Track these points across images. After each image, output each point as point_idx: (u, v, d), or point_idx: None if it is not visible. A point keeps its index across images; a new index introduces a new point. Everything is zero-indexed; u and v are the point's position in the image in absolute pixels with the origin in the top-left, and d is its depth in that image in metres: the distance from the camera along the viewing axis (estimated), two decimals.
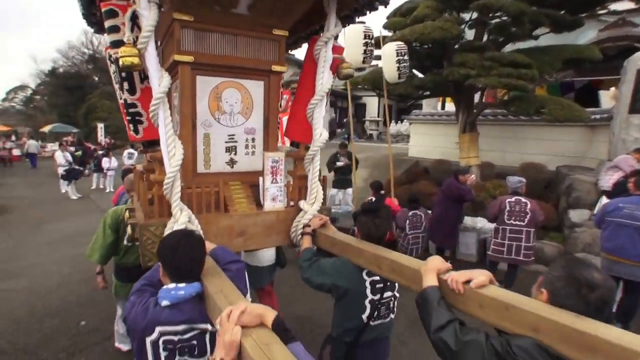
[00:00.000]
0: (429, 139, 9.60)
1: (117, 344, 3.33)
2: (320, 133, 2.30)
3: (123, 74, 2.22)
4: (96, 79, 29.41)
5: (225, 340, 0.98)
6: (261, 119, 2.33)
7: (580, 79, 9.99)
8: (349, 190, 7.15)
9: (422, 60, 7.42)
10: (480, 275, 1.25)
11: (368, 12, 2.46)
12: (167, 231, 1.80)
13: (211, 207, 2.08)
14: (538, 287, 1.18)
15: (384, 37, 6.58)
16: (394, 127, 16.49)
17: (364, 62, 5.03)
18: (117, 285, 2.98)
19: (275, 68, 2.28)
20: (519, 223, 4.13)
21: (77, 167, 11.54)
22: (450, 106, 10.02)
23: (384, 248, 1.73)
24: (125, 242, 2.78)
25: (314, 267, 1.93)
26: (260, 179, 2.25)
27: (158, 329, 1.33)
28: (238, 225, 2.13)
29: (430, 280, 1.33)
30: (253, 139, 2.34)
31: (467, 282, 1.25)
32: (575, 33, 7.16)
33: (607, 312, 1.05)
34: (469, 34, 7.09)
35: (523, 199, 4.20)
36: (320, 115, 2.33)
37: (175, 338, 1.36)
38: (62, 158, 11.01)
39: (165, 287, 1.38)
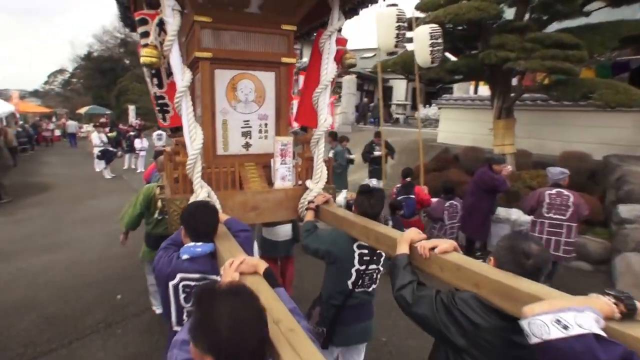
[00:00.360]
0: (459, 124, 9.24)
1: (154, 308, 3.64)
2: (325, 118, 2.51)
3: (153, 71, 2.54)
4: (127, 62, 30.20)
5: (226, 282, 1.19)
6: (273, 106, 2.62)
7: (637, 57, 9.08)
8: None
9: (455, 42, 7.03)
10: (444, 244, 1.45)
11: (370, 5, 2.70)
12: None
13: (228, 184, 2.39)
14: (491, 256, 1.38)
15: (417, 19, 6.29)
16: (422, 112, 15.97)
17: (396, 46, 4.84)
18: (145, 251, 3.38)
19: (285, 60, 2.54)
20: (559, 217, 3.92)
21: (111, 148, 11.99)
22: (483, 90, 9.56)
23: (373, 222, 1.96)
24: (156, 215, 3.14)
25: (312, 235, 2.21)
26: (272, 160, 2.50)
27: (179, 276, 1.66)
28: (251, 201, 2.41)
29: (402, 249, 1.55)
30: (266, 124, 2.64)
31: (434, 248, 1.45)
32: (633, 7, 6.48)
33: (540, 278, 1.23)
34: (508, 14, 6.66)
35: (565, 192, 3.96)
36: (325, 102, 2.55)
37: (192, 284, 1.67)
38: (97, 139, 11.46)
39: (186, 245, 1.71)
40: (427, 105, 16.03)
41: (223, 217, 2.00)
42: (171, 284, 1.66)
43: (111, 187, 9.83)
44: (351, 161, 7.39)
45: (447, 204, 4.73)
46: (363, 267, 2.13)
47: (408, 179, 5.40)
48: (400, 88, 19.47)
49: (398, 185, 5.51)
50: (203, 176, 2.23)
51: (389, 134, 12.05)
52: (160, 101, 2.69)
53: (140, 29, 2.36)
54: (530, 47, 5.34)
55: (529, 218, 4.46)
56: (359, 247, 2.12)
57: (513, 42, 5.51)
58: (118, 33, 29.94)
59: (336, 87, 16.21)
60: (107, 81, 29.16)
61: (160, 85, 2.66)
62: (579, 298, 1.03)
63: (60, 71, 36.69)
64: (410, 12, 6.14)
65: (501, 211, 5.43)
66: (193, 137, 2.18)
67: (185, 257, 1.66)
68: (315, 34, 2.83)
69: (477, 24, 6.09)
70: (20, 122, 17.76)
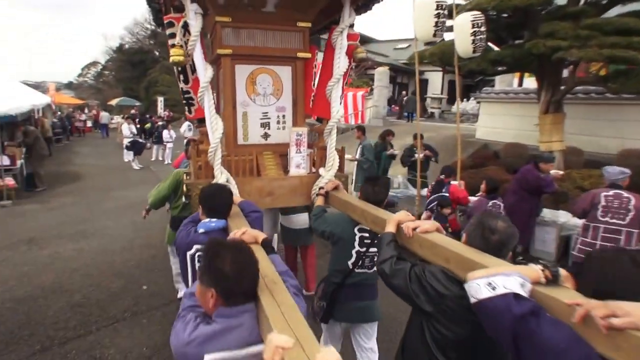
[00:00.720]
0: (501, 119, 8.84)
1: (179, 295, 3.74)
2: (337, 110, 2.76)
3: (179, 68, 2.82)
4: (157, 53, 31.17)
5: None
6: (290, 98, 2.91)
7: None
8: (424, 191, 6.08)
9: (498, 31, 6.66)
10: (427, 224, 1.68)
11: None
12: None
13: (246, 171, 2.65)
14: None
15: (457, 6, 6.02)
16: (460, 106, 15.49)
17: (434, 35, 4.65)
18: (170, 233, 3.55)
19: (300, 55, 2.84)
20: (617, 221, 3.60)
21: (140, 139, 12.41)
22: (528, 82, 9.09)
23: (371, 205, 2.16)
24: (182, 199, 3.31)
25: (320, 219, 2.44)
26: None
27: (195, 247, 1.90)
28: (268, 187, 2.67)
29: (389, 228, 1.79)
30: (284, 116, 2.93)
31: (417, 228, 1.67)
32: None
33: (505, 252, 1.43)
34: (560, 1, 6.25)
35: (625, 194, 3.62)
36: (337, 94, 2.77)
37: None
38: (127, 130, 11.90)
39: (202, 221, 1.97)
40: (465, 100, 15.48)
41: (237, 199, 2.29)
42: (188, 254, 1.92)
43: (140, 177, 10.17)
44: (392, 156, 7.18)
45: (490, 203, 4.46)
46: (364, 249, 2.31)
47: (441, 176, 5.21)
48: (435, 81, 18.98)
49: (433, 183, 5.36)
50: (223, 163, 2.51)
51: (424, 129, 11.73)
52: (186, 95, 2.98)
53: (168, 31, 2.67)
54: (586, 35, 4.96)
55: (579, 221, 4.17)
56: (360, 230, 2.31)
57: (565, 29, 5.14)
58: (148, 25, 30.94)
59: (368, 80, 16.02)
60: (138, 73, 30.27)
61: (186, 81, 2.93)
62: (517, 267, 1.22)
63: (93, 63, 38.55)
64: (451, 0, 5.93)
65: (547, 213, 5.11)
66: (214, 127, 2.49)
67: (201, 230, 1.91)
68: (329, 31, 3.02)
69: (523, 11, 5.77)
70: (58, 113, 18.81)
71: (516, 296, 1.09)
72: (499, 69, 7.16)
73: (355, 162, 6.57)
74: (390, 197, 5.56)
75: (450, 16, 5.07)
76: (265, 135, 2.90)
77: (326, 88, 2.81)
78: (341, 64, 2.77)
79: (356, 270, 2.33)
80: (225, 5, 2.59)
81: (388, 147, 7.14)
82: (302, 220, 3.79)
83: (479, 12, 4.86)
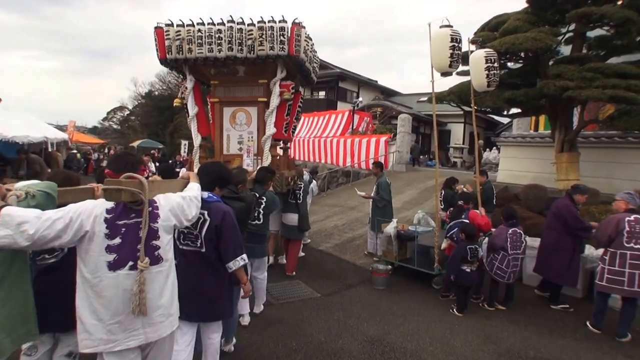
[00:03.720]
0: (519, 163, 9.51)
1: None
2: (269, 130, 5.32)
3: (185, 108, 5.68)
4: None
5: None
6: (256, 126, 5.41)
7: None
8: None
9: (512, 77, 7.65)
10: None
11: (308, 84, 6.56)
12: None
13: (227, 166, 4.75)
14: None
15: (472, 52, 7.07)
16: (483, 155, 16.30)
17: (450, 66, 5.45)
18: None
19: (261, 99, 5.29)
20: None
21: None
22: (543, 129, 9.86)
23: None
24: None
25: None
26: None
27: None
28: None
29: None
30: (252, 137, 5.49)
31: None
32: None
33: None
34: (565, 51, 7.22)
35: None
36: (271, 120, 5.31)
37: None
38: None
39: None
40: (488, 149, 16.30)
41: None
42: None
43: None
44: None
45: (510, 231, 4.68)
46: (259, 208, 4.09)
47: (461, 202, 5.54)
48: (457, 132, 20.04)
49: (451, 209, 5.81)
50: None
51: (446, 174, 12.28)
52: (192, 123, 5.73)
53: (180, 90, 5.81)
54: (590, 77, 5.79)
55: (600, 252, 4.29)
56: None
57: (572, 71, 5.99)
58: (180, 73, 33.46)
59: (391, 127, 17.16)
60: (164, 118, 31.90)
61: (187, 114, 5.73)
62: None
63: (120, 108, 39.80)
64: (466, 47, 6.94)
65: None
66: (195, 138, 5.68)
67: None
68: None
69: (533, 57, 6.73)
70: (74, 151, 19.34)
71: None
72: (513, 111, 8.03)
73: (371, 200, 6.73)
74: (410, 232, 5.93)
75: (465, 61, 5.95)
76: (240, 149, 5.53)
77: (265, 116, 5.27)
78: (274, 101, 5.17)
79: (251, 222, 3.82)
80: (214, 74, 5.41)
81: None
82: (290, 218, 5.52)
83: (492, 50, 5.75)
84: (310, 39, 5.31)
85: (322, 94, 24.06)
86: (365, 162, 13.78)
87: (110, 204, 1.90)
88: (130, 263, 1.90)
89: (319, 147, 16.38)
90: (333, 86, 22.91)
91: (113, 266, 1.87)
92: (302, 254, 6.42)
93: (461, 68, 7.77)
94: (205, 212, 2.50)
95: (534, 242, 5.32)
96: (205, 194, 2.53)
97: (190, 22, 4.98)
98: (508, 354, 3.73)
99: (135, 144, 28.36)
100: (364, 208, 9.43)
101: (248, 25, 4.83)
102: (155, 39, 5.09)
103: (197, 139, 5.59)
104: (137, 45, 68.06)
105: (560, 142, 7.05)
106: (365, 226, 7.67)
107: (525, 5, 7.01)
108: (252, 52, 4.83)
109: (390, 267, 5.67)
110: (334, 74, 22.31)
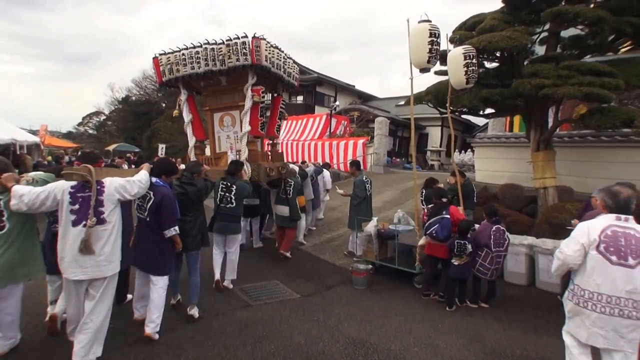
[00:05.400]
0: (495, 163, 9.48)
1: None
2: (245, 128, 6.06)
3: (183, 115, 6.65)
4: (164, 105, 32.75)
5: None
6: (240, 127, 6.11)
7: None
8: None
9: (488, 77, 7.56)
10: None
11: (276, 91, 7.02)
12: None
13: (219, 163, 6.30)
14: None
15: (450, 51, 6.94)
16: (457, 157, 16.35)
17: (428, 62, 5.31)
18: None
19: (241, 103, 5.94)
20: None
21: None
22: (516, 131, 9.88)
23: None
24: None
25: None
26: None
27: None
28: (224, 167, 5.50)
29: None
30: (237, 136, 6.22)
31: None
32: None
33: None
34: (540, 52, 7.18)
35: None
36: (246, 118, 5.98)
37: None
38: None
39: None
40: (463, 151, 16.38)
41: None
42: None
43: None
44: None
45: (494, 228, 4.66)
46: (223, 193, 4.94)
47: (442, 199, 5.44)
48: (435, 135, 20.13)
49: (430, 206, 5.61)
50: (211, 162, 6.40)
51: (425, 176, 12.31)
52: (188, 128, 6.68)
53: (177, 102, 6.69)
54: (565, 74, 5.71)
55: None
56: (222, 180, 5.03)
57: (547, 70, 5.89)
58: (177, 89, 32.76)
59: (369, 131, 17.07)
60: (141, 123, 31.26)
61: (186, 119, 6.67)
62: None
63: (96, 113, 38.91)
64: (444, 45, 6.80)
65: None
66: (190, 139, 6.63)
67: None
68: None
69: (509, 57, 6.64)
70: (47, 156, 18.59)
71: None
72: (489, 111, 7.95)
73: (350, 198, 6.82)
74: (391, 231, 5.81)
75: (443, 61, 5.78)
76: (230, 147, 6.34)
77: (242, 115, 6.04)
78: (247, 103, 5.86)
79: (220, 205, 4.91)
80: (204, 86, 6.46)
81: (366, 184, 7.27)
82: (281, 209, 6.42)
83: (470, 46, 5.62)
84: (277, 48, 6.02)
85: (299, 98, 23.79)
86: (344, 164, 13.60)
87: (73, 182, 2.94)
88: (84, 222, 2.87)
89: (297, 150, 16.07)
90: (310, 90, 22.70)
91: (74, 223, 2.88)
92: (304, 242, 7.38)
93: (439, 67, 7.78)
94: (152, 192, 3.48)
95: (515, 239, 5.22)
96: (154, 180, 3.53)
97: (177, 49, 6.10)
98: (494, 353, 3.56)
99: (111, 147, 27.65)
100: (344, 208, 9.32)
101: (218, 44, 5.76)
102: (153, 68, 6.43)
103: (191, 141, 6.55)
104: (115, 50, 66.45)
105: (536, 141, 6.98)
106: (345, 227, 7.78)
107: (502, 5, 6.93)
108: (224, 64, 5.70)
109: (370, 266, 5.47)
110: (311, 78, 22.11)
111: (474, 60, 5.56)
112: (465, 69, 5.51)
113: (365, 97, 25.28)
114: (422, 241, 5.11)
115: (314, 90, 22.77)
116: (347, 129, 17.19)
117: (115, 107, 36.73)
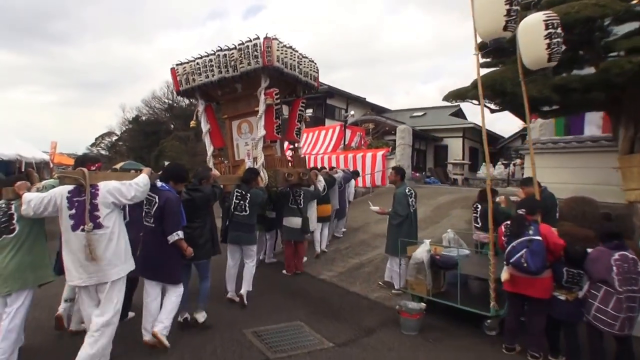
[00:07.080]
0: (553, 173, 7.64)
1: None
2: (260, 131, 5.57)
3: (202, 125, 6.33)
4: (172, 125, 31.94)
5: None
6: (256, 133, 5.62)
7: None
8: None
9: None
10: None
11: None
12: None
13: (237, 170, 5.78)
14: None
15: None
16: (484, 172, 14.47)
17: (505, 28, 3.74)
18: None
19: (257, 109, 5.51)
20: None
21: None
22: (588, 130, 8.04)
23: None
24: None
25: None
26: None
27: None
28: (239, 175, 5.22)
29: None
30: (254, 142, 5.78)
31: None
32: None
33: None
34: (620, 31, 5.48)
35: None
36: (261, 122, 5.52)
37: None
38: None
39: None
40: (492, 166, 14.55)
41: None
42: None
43: None
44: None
45: (616, 255, 3.00)
46: (238, 201, 4.67)
47: (523, 211, 3.53)
48: (455, 147, 18.37)
49: (507, 223, 3.67)
50: (229, 169, 6.14)
51: (450, 192, 10.68)
52: (206, 137, 6.35)
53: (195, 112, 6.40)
54: None
55: None
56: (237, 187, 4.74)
57: None
58: (166, 99, 32.37)
59: (386, 142, 15.38)
60: (149, 142, 30.63)
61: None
62: None
63: (108, 134, 39.19)
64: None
65: None
66: (208, 148, 6.29)
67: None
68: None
69: (589, 31, 4.96)
70: (56, 174, 18.10)
71: None
72: (552, 107, 6.23)
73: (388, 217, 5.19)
74: (449, 258, 4.32)
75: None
76: (248, 155, 5.81)
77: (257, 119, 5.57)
78: (261, 107, 5.39)
79: (235, 213, 4.63)
80: (221, 95, 6.11)
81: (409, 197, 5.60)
82: (294, 222, 5.73)
83: (552, 13, 4.00)
84: (290, 48, 5.53)
85: (309, 111, 22.30)
86: (362, 179, 11.82)
87: (71, 187, 2.87)
88: (82, 227, 2.78)
89: (309, 165, 14.36)
90: (321, 103, 21.19)
91: (73, 228, 2.81)
92: (325, 250, 6.79)
93: (483, 60, 6.28)
94: (156, 197, 3.33)
95: None
96: (160, 184, 3.40)
97: (192, 58, 5.86)
98: None
99: (118, 165, 26.56)
100: (370, 228, 7.86)
101: (230, 49, 5.40)
102: (172, 77, 6.15)
103: (210, 149, 6.22)
104: (130, 76, 67.08)
105: (629, 140, 5.20)
106: (374, 250, 6.55)
107: None
108: (236, 70, 5.34)
109: (424, 305, 4.11)
110: (322, 90, 20.62)
111: (559, 30, 3.92)
112: (548, 41, 3.89)
113: (377, 110, 23.69)
114: (505, 274, 3.48)
115: (324, 102, 21.25)
116: (363, 140, 15.50)
117: (126, 127, 36.35)
